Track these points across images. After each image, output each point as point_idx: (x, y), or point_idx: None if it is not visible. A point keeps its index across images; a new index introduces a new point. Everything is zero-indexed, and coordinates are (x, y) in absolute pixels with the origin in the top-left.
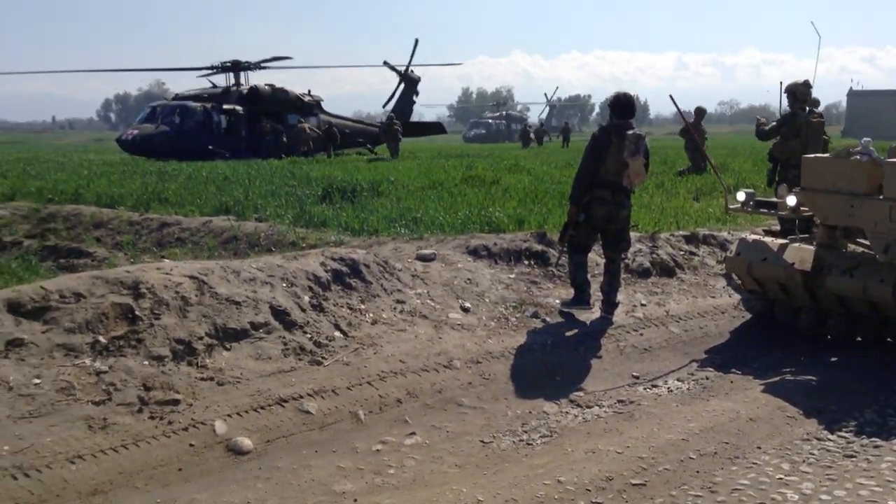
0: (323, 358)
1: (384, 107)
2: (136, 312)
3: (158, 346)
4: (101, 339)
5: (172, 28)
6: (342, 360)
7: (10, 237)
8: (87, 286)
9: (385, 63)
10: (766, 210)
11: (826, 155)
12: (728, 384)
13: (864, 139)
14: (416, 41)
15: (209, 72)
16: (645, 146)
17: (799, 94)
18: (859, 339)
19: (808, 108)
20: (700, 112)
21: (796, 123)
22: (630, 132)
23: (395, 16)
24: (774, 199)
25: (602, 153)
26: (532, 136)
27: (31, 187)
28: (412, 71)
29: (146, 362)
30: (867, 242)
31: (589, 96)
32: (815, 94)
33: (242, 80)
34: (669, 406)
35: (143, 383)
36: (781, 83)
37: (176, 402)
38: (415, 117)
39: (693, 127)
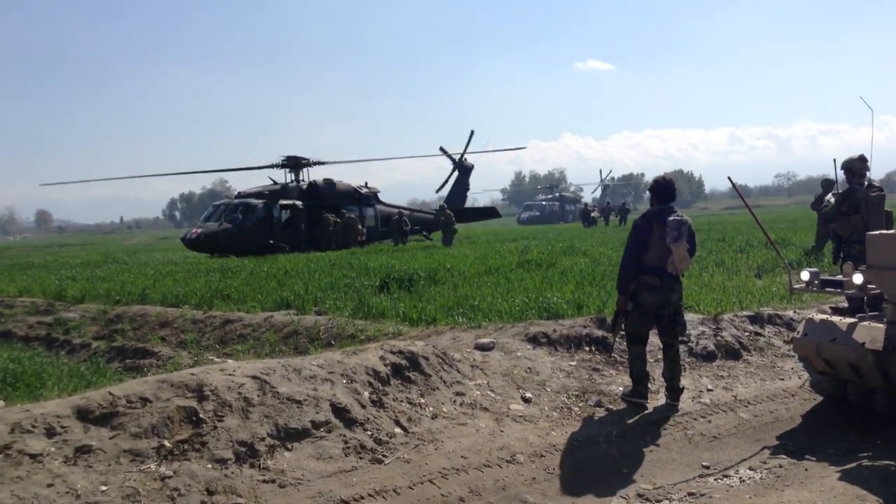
0: (384, 456)
1: (437, 192)
2: (200, 415)
3: (221, 449)
4: (167, 443)
5: (235, 126)
6: (403, 458)
7: (80, 339)
8: (153, 390)
9: (441, 149)
10: (832, 289)
11: (891, 231)
12: (803, 472)
13: None
14: (472, 133)
15: (269, 169)
16: (688, 230)
17: (855, 169)
18: None
19: (867, 183)
20: (828, 184)
21: (855, 199)
22: (671, 218)
23: (447, 105)
24: (840, 278)
25: (644, 240)
26: (595, 214)
27: (99, 289)
28: (465, 159)
29: (209, 466)
30: None
31: (642, 175)
32: (873, 164)
33: (302, 175)
34: (742, 498)
35: (207, 487)
36: (835, 160)
37: None
38: (469, 202)
39: (820, 199)
